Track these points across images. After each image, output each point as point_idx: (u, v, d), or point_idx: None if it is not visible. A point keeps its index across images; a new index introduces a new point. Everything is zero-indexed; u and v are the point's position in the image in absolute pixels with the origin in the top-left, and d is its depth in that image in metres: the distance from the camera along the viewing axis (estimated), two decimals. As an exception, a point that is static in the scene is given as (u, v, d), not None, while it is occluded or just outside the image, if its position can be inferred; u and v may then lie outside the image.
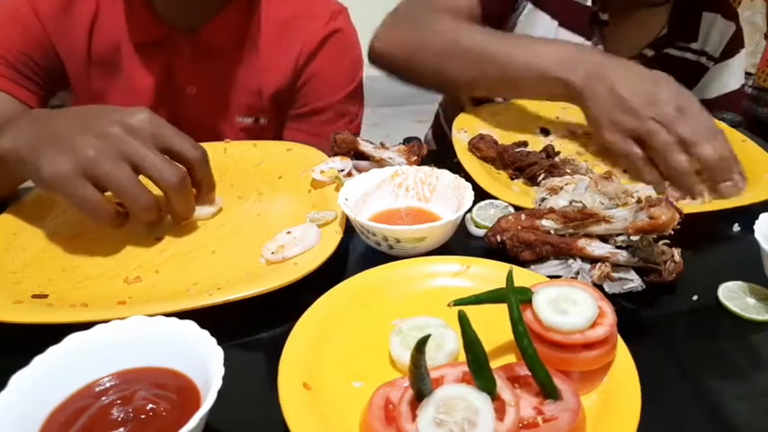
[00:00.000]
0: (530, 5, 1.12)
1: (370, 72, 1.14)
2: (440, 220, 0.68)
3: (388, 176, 0.77)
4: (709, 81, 1.21)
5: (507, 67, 0.88)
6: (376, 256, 0.69)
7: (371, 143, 0.85)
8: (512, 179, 0.85)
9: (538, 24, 1.11)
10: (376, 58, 1.05)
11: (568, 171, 0.81)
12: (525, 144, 0.90)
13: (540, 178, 0.81)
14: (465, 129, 0.93)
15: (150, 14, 0.97)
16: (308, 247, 0.66)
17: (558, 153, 0.88)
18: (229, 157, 0.88)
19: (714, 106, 1.13)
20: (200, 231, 0.73)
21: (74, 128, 0.64)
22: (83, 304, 0.58)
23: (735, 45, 1.19)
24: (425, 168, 0.77)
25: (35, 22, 0.94)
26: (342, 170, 0.79)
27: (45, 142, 0.63)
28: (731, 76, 1.20)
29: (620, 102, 0.79)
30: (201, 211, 0.74)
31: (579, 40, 1.09)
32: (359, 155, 0.84)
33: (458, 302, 0.50)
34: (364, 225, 0.66)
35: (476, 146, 0.88)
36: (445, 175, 0.76)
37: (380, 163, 0.83)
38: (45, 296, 0.60)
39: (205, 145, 0.88)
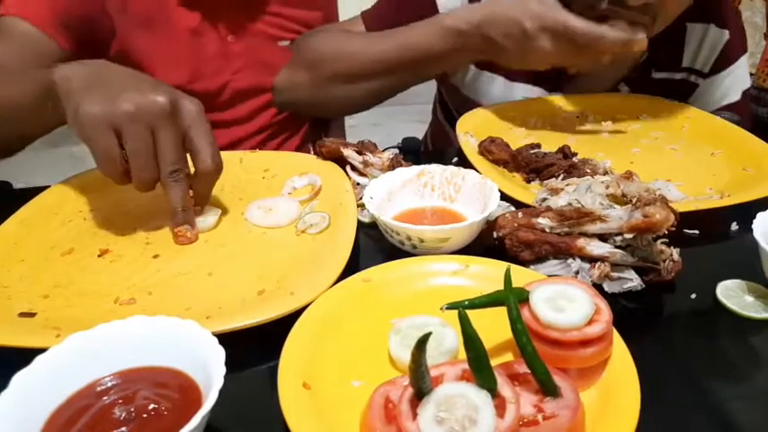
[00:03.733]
0: (474, 69, 1.09)
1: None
2: (464, 221, 0.68)
3: (414, 176, 0.77)
4: (699, 98, 1.12)
5: (403, 48, 0.96)
6: (375, 255, 0.70)
7: (357, 150, 0.84)
8: (528, 182, 0.85)
9: (494, 84, 1.09)
10: (290, 104, 1.10)
11: (588, 171, 0.81)
12: (539, 146, 0.89)
13: (559, 179, 0.80)
14: (470, 132, 0.94)
15: None
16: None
17: (576, 153, 0.88)
18: (242, 168, 0.87)
19: None
20: (199, 250, 0.71)
21: (128, 84, 0.66)
22: (64, 329, 0.55)
23: (729, 55, 1.08)
24: (451, 168, 0.77)
25: None
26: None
27: (96, 84, 0.65)
28: (727, 89, 1.11)
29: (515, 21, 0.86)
30: (202, 223, 0.73)
31: (541, 92, 1.08)
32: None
33: (450, 306, 0.49)
34: (388, 224, 0.67)
35: (487, 148, 0.88)
36: (471, 175, 0.76)
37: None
38: (33, 314, 0.59)
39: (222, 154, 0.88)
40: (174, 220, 0.70)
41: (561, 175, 0.82)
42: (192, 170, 0.70)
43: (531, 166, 0.85)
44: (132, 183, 0.67)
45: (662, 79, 1.09)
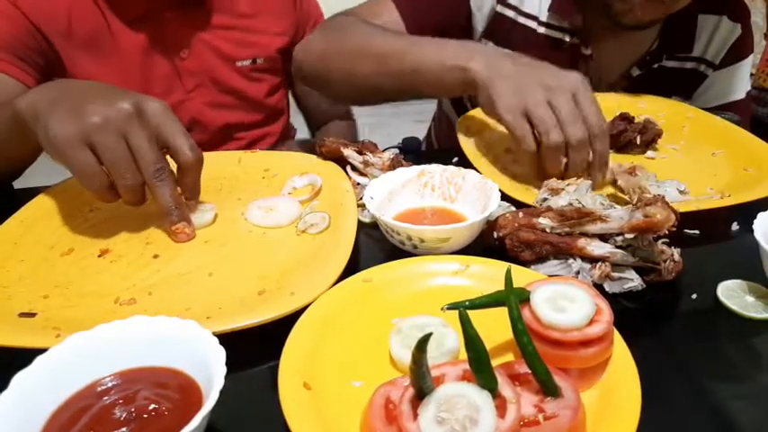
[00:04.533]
0: (492, 45, 1.07)
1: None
2: (465, 221, 0.68)
3: (414, 176, 0.77)
4: (707, 90, 1.14)
5: (409, 60, 0.88)
6: (376, 255, 0.70)
7: (357, 150, 0.84)
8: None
9: None
10: (297, 70, 1.05)
11: (657, 126, 0.92)
12: None
13: (637, 142, 0.90)
14: (471, 132, 0.94)
15: None
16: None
17: (634, 118, 0.93)
18: (242, 168, 0.87)
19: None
20: (199, 250, 0.71)
21: (90, 96, 0.66)
22: (64, 329, 0.56)
23: (740, 50, 1.11)
24: (452, 168, 0.77)
25: (13, 10, 0.96)
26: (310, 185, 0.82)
27: (60, 103, 0.65)
28: (734, 85, 1.13)
29: (518, 85, 0.78)
30: (199, 220, 0.73)
31: None
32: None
33: (451, 307, 0.49)
34: (389, 224, 0.67)
35: None
36: (471, 175, 0.76)
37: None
38: (33, 315, 0.59)
39: (219, 154, 0.88)
40: (169, 219, 0.70)
41: (638, 139, 0.89)
42: (175, 167, 0.70)
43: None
44: (121, 196, 0.67)
45: (672, 67, 1.11)
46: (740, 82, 1.14)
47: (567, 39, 1.06)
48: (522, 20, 1.06)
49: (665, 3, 0.93)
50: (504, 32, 1.06)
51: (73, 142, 0.63)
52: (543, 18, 1.05)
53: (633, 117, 0.94)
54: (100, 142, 0.63)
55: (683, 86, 1.12)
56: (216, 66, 1.11)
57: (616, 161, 0.89)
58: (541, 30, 1.06)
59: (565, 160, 0.77)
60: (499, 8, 1.06)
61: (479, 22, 1.07)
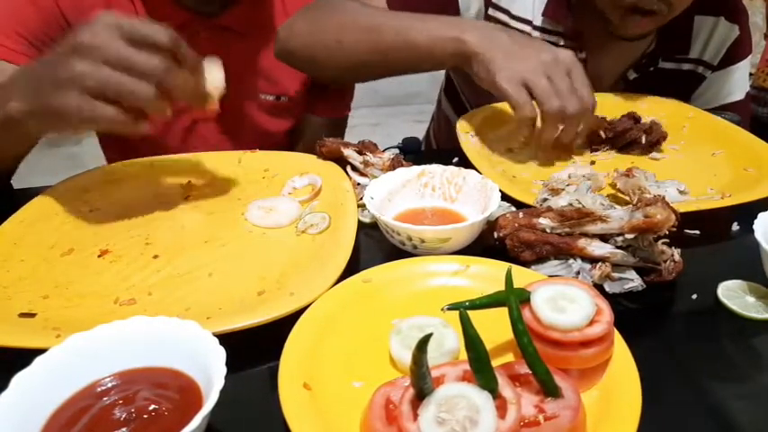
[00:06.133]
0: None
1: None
2: (465, 222, 0.68)
3: (414, 176, 0.77)
4: (706, 91, 1.14)
5: (402, 33, 0.89)
6: (375, 256, 0.69)
7: (357, 150, 0.84)
8: (592, 151, 0.93)
9: None
10: (281, 50, 1.01)
11: (663, 128, 0.92)
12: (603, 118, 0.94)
13: (642, 142, 0.91)
14: (471, 132, 0.94)
15: (170, 0, 0.99)
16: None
17: (641, 118, 0.94)
18: (242, 168, 0.87)
19: None
20: (199, 250, 0.70)
21: (57, 59, 0.64)
22: (64, 329, 0.56)
23: (738, 51, 1.10)
24: (452, 168, 0.77)
25: (49, 2, 0.94)
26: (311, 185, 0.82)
27: (43, 84, 0.64)
28: (733, 86, 1.13)
29: (516, 57, 0.81)
30: (213, 81, 0.71)
31: None
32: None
33: (451, 307, 0.50)
34: (389, 224, 0.67)
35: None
36: (472, 175, 0.76)
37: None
38: (33, 315, 0.59)
39: (219, 154, 0.88)
40: (196, 104, 0.70)
41: (644, 138, 0.89)
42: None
43: (607, 135, 0.90)
44: (148, 116, 0.65)
45: (670, 69, 1.10)
46: (739, 83, 1.13)
47: (562, 43, 1.05)
48: (514, 24, 1.05)
49: (663, 15, 0.93)
50: None
51: (77, 102, 0.61)
52: (537, 22, 1.05)
53: (640, 117, 0.94)
54: (93, 83, 0.61)
55: (680, 88, 1.11)
56: (239, 94, 1.09)
57: (617, 161, 0.89)
58: (536, 34, 1.05)
59: (561, 127, 0.83)
60: (490, 11, 1.05)
61: None
